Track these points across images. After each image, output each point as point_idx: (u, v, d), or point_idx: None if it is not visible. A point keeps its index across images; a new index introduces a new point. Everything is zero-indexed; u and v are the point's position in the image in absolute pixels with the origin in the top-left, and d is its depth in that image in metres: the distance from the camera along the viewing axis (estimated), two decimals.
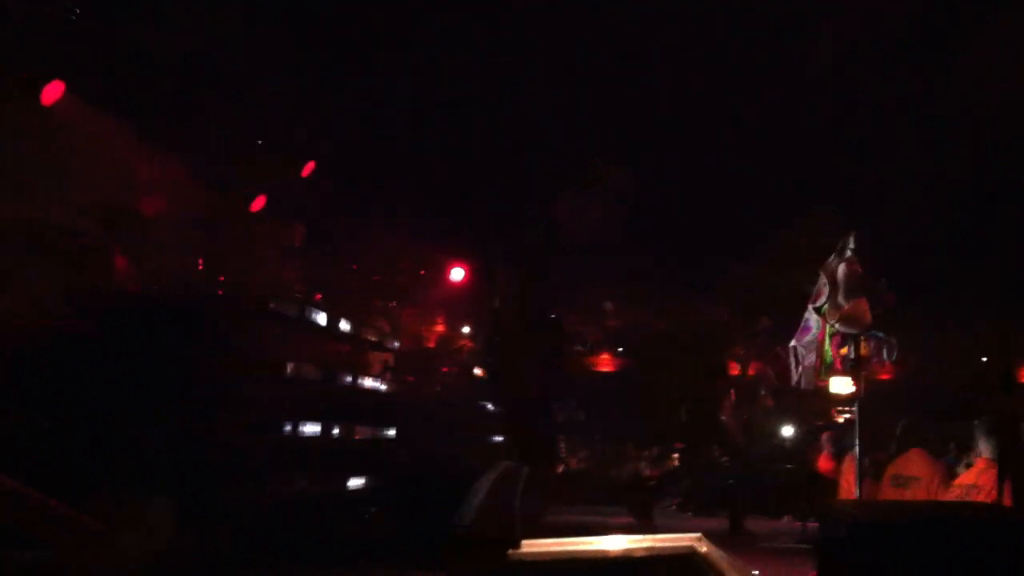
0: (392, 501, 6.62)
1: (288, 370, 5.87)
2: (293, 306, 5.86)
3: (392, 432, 7.26)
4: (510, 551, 2.22)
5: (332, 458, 6.10)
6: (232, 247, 7.31)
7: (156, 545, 3.37)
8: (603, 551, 2.24)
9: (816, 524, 7.98)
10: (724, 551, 2.19)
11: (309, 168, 8.78)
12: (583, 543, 2.30)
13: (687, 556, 2.13)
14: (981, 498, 5.10)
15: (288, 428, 5.50)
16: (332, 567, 4.06)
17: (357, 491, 6.43)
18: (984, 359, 14.53)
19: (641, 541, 2.27)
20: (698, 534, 2.29)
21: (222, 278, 6.83)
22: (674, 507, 9.61)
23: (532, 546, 2.26)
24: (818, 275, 6.37)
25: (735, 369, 9.48)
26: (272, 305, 5.73)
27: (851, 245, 6.31)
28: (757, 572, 2.05)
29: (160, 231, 6.66)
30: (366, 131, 9.25)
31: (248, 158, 7.94)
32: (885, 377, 6.99)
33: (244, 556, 3.82)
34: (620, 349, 19.96)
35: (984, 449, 5.47)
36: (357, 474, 6.56)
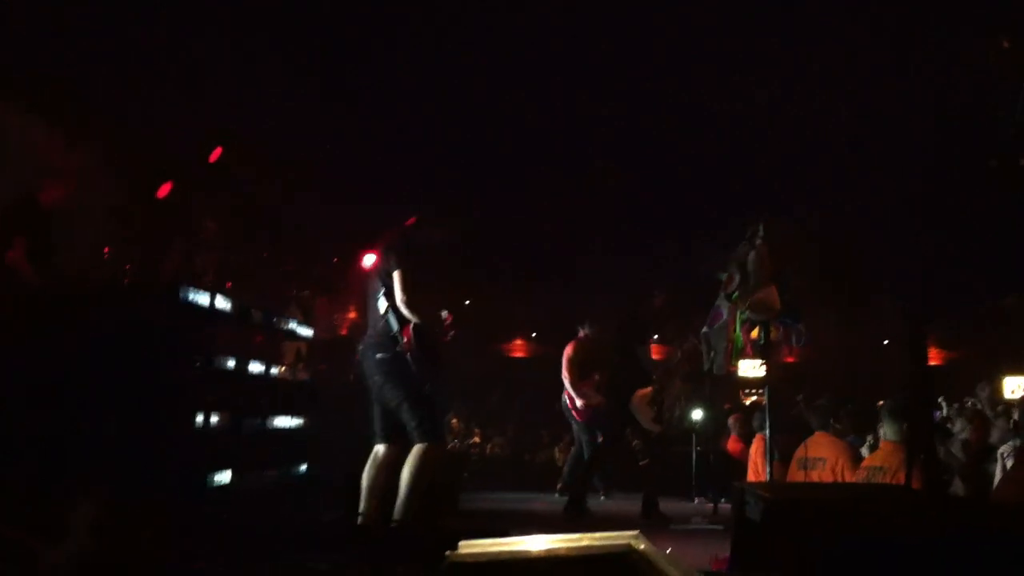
0: (308, 491, 6.56)
1: (198, 360, 5.75)
2: (203, 295, 5.73)
3: (304, 422, 7.18)
4: (448, 552, 2.22)
5: (244, 449, 6.00)
6: (139, 235, 7.14)
7: (76, 548, 3.27)
8: (539, 551, 2.24)
9: (727, 505, 8.17)
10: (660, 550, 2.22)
11: (217, 154, 8.62)
12: (519, 543, 2.30)
13: (624, 554, 2.15)
14: (886, 479, 5.27)
15: (199, 419, 5.40)
16: (260, 559, 4.00)
17: (271, 482, 6.35)
18: (886, 342, 15.04)
19: (578, 540, 2.29)
20: (635, 532, 2.31)
21: (128, 266, 6.66)
22: (603, 497, 9.71)
23: (469, 547, 2.26)
24: (729, 263, 6.51)
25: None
26: (181, 294, 5.59)
27: (761, 233, 6.46)
28: (697, 569, 2.08)
29: (62, 218, 6.46)
30: (280, 116, 9.09)
31: (155, 143, 7.76)
32: (791, 360, 7.16)
33: (166, 553, 3.74)
34: (534, 335, 20.03)
35: (889, 431, 5.66)
36: (270, 465, 6.48)
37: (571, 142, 11.85)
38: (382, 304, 5.37)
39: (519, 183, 12.88)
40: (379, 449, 5.39)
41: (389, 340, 5.30)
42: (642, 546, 2.16)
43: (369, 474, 5.33)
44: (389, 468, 5.30)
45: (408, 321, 5.27)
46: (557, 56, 10.22)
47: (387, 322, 5.32)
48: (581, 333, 9.25)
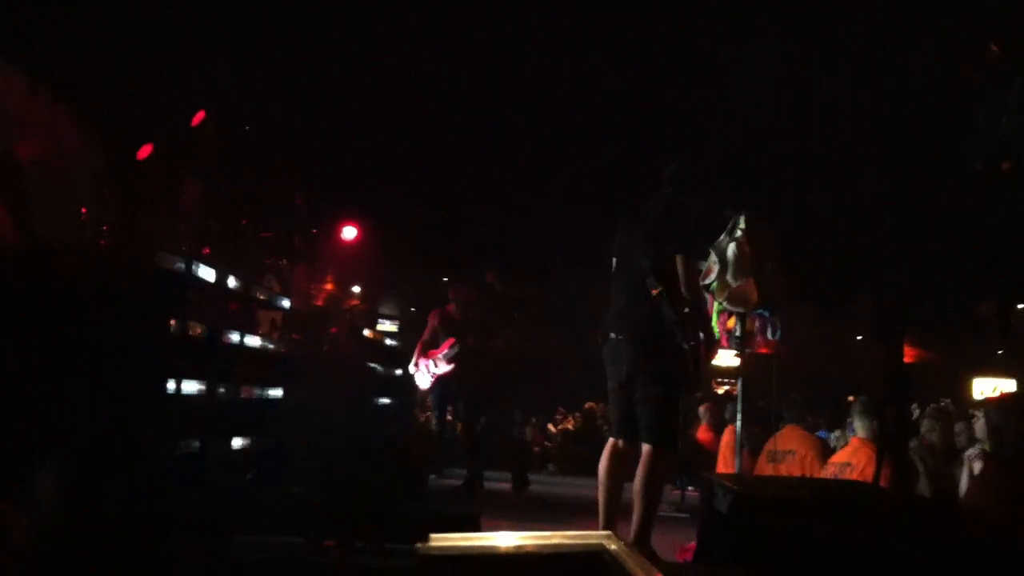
0: (280, 464, 6.53)
1: (173, 326, 5.71)
2: (180, 260, 5.68)
3: (278, 392, 7.15)
4: (418, 544, 2.21)
5: (217, 418, 5.97)
6: (117, 196, 7.05)
7: (44, 518, 3.25)
8: (510, 547, 2.25)
9: (694, 493, 8.23)
10: (631, 550, 2.22)
11: (199, 118, 8.52)
12: (490, 538, 2.31)
13: (595, 553, 2.16)
14: (854, 476, 5.33)
15: (172, 386, 5.35)
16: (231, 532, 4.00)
17: (242, 452, 6.32)
18: (859, 338, 15.15)
19: (549, 538, 2.29)
20: (608, 532, 2.32)
21: (106, 228, 6.59)
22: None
23: (439, 540, 2.26)
24: (708, 253, 6.53)
25: None
26: (158, 259, 5.54)
27: (741, 225, 6.48)
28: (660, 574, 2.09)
29: (39, 176, 6.39)
30: (263, 82, 9.02)
31: (136, 103, 7.66)
32: (764, 351, 7.20)
33: (137, 522, 3.73)
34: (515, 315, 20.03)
35: (859, 428, 5.71)
36: (243, 434, 6.45)
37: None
38: (651, 286, 4.86)
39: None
40: (619, 445, 5.05)
41: (662, 327, 4.81)
42: (613, 546, 2.16)
43: (613, 475, 4.97)
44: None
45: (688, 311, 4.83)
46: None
47: (661, 308, 4.82)
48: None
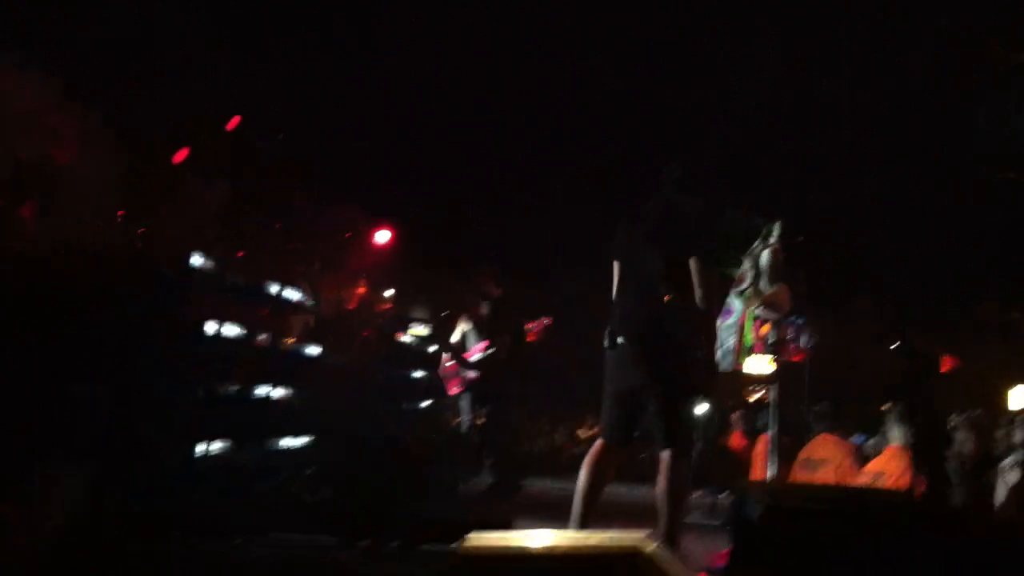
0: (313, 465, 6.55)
1: (207, 329, 5.75)
2: (214, 263, 5.73)
3: (308, 396, 7.19)
4: (454, 544, 2.20)
5: (251, 419, 6.01)
6: (152, 200, 7.12)
7: (69, 516, 3.27)
8: (546, 547, 2.23)
9: (727, 500, 8.16)
10: (668, 553, 2.20)
11: (235, 122, 8.59)
12: (526, 538, 2.29)
13: (632, 555, 2.13)
14: (889, 484, 5.25)
15: (206, 389, 5.40)
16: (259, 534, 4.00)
17: (275, 454, 6.35)
18: (892, 347, 14.98)
19: (585, 539, 2.27)
20: (643, 533, 2.30)
21: (140, 231, 6.65)
22: None
23: (475, 540, 2.24)
24: (742, 260, 6.48)
25: None
26: (192, 262, 5.59)
27: (776, 232, 6.43)
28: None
29: (76, 182, 6.45)
30: (298, 88, 9.09)
31: (172, 108, 7.74)
32: (797, 360, 7.14)
33: (168, 522, 3.74)
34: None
35: (895, 436, 5.64)
36: (275, 436, 6.49)
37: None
38: (663, 290, 4.74)
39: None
40: (610, 448, 4.92)
41: (676, 333, 4.73)
42: (649, 548, 2.14)
43: (600, 477, 4.86)
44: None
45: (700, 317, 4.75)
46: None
47: (673, 313, 4.72)
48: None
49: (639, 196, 5.23)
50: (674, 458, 4.72)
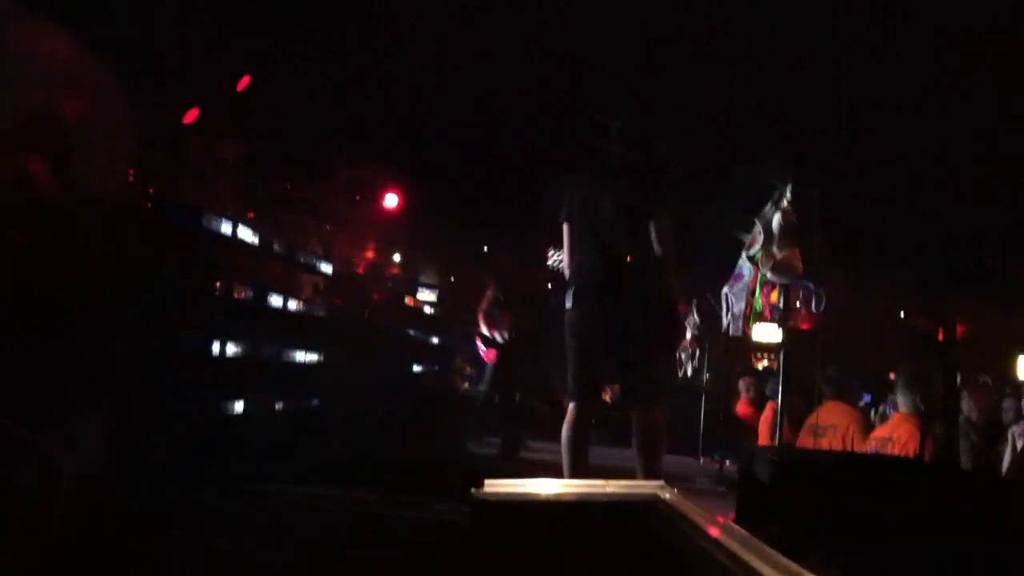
0: (325, 423, 6.59)
1: (218, 287, 5.77)
2: (225, 222, 5.73)
3: (319, 355, 7.22)
4: (472, 489, 2.20)
5: (258, 379, 6.03)
6: (164, 158, 7.10)
7: (95, 466, 3.29)
8: (563, 494, 2.24)
9: (732, 466, 8.20)
10: (685, 499, 2.21)
11: (245, 82, 8.54)
12: (542, 485, 2.29)
13: (650, 503, 2.15)
14: (896, 451, 5.26)
15: (217, 346, 5.42)
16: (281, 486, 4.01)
17: (285, 412, 6.39)
18: (902, 314, 14.93)
19: (604, 486, 2.28)
20: (661, 481, 2.31)
21: (152, 189, 6.64)
22: None
23: (493, 486, 2.24)
24: (753, 223, 6.46)
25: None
26: (203, 220, 5.59)
27: (787, 195, 6.40)
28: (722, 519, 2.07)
29: (88, 137, 6.43)
30: (310, 49, 9.03)
31: (183, 67, 7.70)
32: (806, 327, 7.13)
33: (188, 475, 3.76)
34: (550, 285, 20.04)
35: (902, 402, 5.64)
36: (283, 396, 6.52)
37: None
38: (625, 247, 4.74)
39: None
40: (585, 407, 4.86)
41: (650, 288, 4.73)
42: (668, 495, 2.15)
43: (584, 438, 4.81)
44: None
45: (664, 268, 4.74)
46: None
47: (660, 267, 4.72)
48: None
49: (578, 151, 5.16)
50: (648, 412, 4.76)
